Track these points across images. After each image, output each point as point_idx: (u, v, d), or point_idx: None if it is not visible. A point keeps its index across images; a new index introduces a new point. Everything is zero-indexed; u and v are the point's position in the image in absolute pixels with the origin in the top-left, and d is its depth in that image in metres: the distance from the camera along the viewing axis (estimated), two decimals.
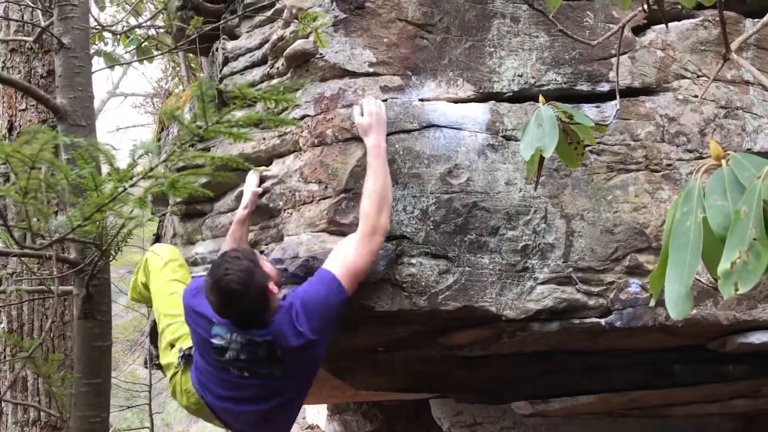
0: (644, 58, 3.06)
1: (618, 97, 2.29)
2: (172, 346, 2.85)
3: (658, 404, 4.34)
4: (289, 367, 2.54)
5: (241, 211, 2.84)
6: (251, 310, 2.45)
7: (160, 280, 2.95)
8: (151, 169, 1.69)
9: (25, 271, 3.46)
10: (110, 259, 2.43)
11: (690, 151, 3.05)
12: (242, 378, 2.57)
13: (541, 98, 1.61)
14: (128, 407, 7.15)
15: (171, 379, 2.86)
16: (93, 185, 1.73)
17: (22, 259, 3.01)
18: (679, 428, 5.22)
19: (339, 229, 2.63)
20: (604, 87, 3.00)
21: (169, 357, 2.85)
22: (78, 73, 2.43)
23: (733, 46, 1.40)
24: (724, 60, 1.36)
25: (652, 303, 1.09)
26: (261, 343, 2.48)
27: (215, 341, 2.53)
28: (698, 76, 3.16)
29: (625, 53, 3.04)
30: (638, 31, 3.12)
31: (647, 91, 3.06)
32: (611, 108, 3.00)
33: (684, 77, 3.12)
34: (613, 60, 3.04)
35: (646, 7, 1.63)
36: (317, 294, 2.47)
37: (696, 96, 3.12)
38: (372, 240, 2.51)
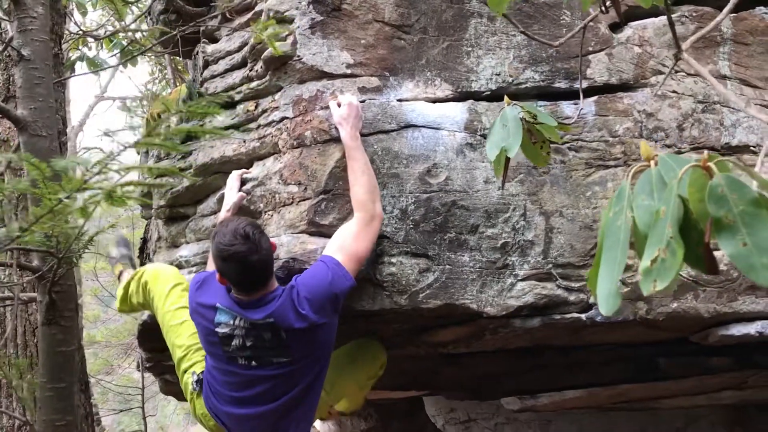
0: (621, 55, 3.09)
1: (582, 97, 2.31)
2: (185, 372, 2.86)
3: (646, 397, 4.37)
4: (297, 352, 2.54)
5: (224, 214, 2.86)
6: (263, 263, 2.45)
7: (167, 309, 2.92)
8: (86, 181, 1.72)
9: None
10: (71, 266, 2.46)
11: (668, 146, 3.08)
12: (250, 369, 2.56)
13: (506, 98, 1.63)
14: (121, 411, 7.16)
15: (190, 403, 2.90)
16: (47, 196, 1.75)
17: None
18: (670, 421, 5.26)
19: (319, 230, 2.66)
20: (582, 84, 3.02)
21: (184, 383, 2.88)
22: (38, 84, 2.46)
23: (685, 45, 1.43)
24: (676, 59, 1.39)
25: (592, 300, 1.11)
26: (264, 325, 2.48)
27: (220, 330, 2.54)
28: (676, 72, 3.19)
29: (602, 50, 3.07)
30: (615, 27, 3.15)
31: (625, 87, 3.08)
32: (589, 105, 3.03)
33: (661, 73, 3.15)
34: (591, 57, 3.08)
35: (603, 8, 1.66)
36: (321, 278, 2.48)
37: (674, 92, 3.15)
38: (371, 227, 2.57)
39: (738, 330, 3.20)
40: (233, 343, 2.54)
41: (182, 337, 2.84)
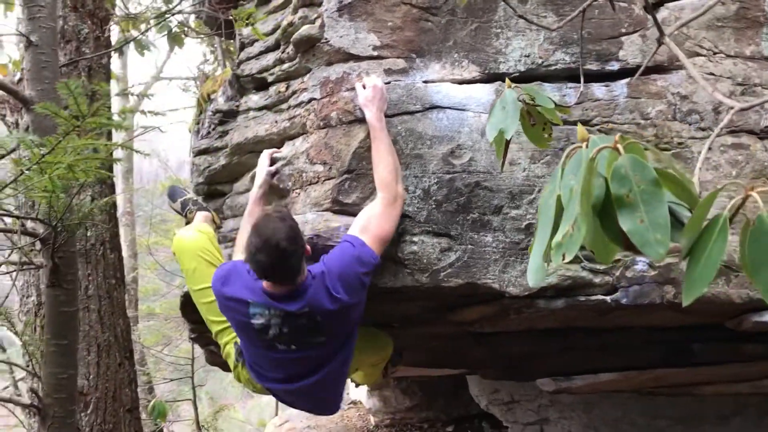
0: (656, 36, 3.04)
1: (582, 81, 2.31)
2: (226, 344, 2.97)
3: (684, 383, 4.33)
4: (331, 331, 2.63)
5: (256, 191, 2.93)
6: (295, 269, 2.51)
7: (194, 287, 2.99)
8: (43, 156, 1.83)
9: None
10: (71, 235, 2.61)
11: (703, 129, 3.03)
12: (291, 352, 2.66)
13: (507, 81, 1.66)
14: (172, 380, 7.45)
15: (234, 371, 2.99)
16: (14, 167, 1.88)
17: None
18: (716, 408, 5.17)
19: (342, 208, 2.73)
20: (614, 66, 3.00)
21: (226, 351, 2.98)
22: (44, 68, 2.65)
23: (669, 30, 1.43)
24: (658, 44, 1.39)
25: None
26: (299, 314, 2.56)
27: (255, 321, 2.61)
28: (714, 53, 3.13)
29: (635, 32, 3.03)
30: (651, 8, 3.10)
31: (659, 69, 3.04)
32: (621, 87, 3.01)
33: (699, 54, 3.09)
34: (624, 38, 3.04)
35: None
36: (349, 259, 2.55)
37: (711, 74, 3.09)
38: (394, 207, 2.64)
39: None
40: (270, 332, 2.61)
41: (217, 314, 2.90)
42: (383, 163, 2.65)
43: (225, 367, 4.76)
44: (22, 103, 2.66)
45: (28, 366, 3.30)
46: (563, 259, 0.92)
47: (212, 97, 3.93)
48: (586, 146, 0.96)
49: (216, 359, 4.48)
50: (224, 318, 2.89)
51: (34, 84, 2.60)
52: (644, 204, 0.85)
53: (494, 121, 1.58)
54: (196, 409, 6.90)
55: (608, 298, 2.91)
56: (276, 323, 2.60)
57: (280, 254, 2.43)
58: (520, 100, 1.57)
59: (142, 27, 4.11)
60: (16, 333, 3.23)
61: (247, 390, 3.23)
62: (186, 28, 3.98)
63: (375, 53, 2.81)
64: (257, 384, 2.91)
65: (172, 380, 7.58)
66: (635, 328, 3.48)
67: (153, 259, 8.10)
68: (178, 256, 3.07)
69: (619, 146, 0.89)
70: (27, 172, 1.84)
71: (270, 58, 3.08)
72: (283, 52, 3.01)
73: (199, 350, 6.68)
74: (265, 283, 2.59)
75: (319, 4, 2.83)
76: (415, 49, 2.84)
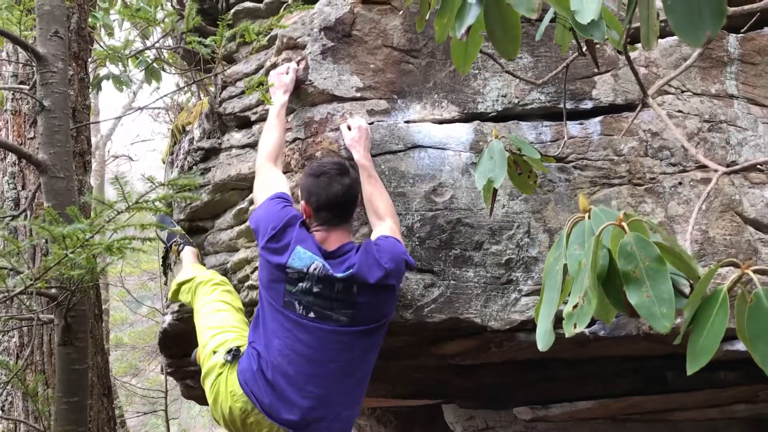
0: (627, 76, 3.16)
1: (566, 118, 2.40)
2: (215, 353, 2.66)
3: (658, 409, 4.41)
4: (360, 310, 2.50)
5: (282, 98, 2.83)
6: (354, 204, 2.61)
7: (207, 302, 2.93)
8: (87, 239, 1.88)
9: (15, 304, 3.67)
10: (83, 296, 2.66)
11: (673, 165, 3.14)
12: (306, 319, 2.48)
13: (494, 131, 1.73)
14: (145, 413, 7.36)
15: (213, 384, 2.62)
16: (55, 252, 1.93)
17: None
18: None
19: None
20: (588, 104, 3.10)
21: (212, 361, 2.65)
22: (57, 132, 2.72)
23: (651, 90, 1.51)
24: (642, 105, 1.48)
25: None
26: (340, 279, 2.47)
27: (292, 266, 2.47)
28: (682, 91, 3.25)
29: (607, 71, 3.14)
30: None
31: (630, 107, 3.15)
32: (595, 124, 3.11)
33: (668, 93, 3.21)
34: (597, 78, 3.15)
35: (580, 52, 1.75)
36: (398, 244, 2.59)
37: (680, 111, 3.22)
38: (400, 233, 2.71)
39: (743, 345, 3.23)
40: (299, 285, 2.48)
41: (218, 322, 2.80)
42: (383, 196, 2.71)
43: (202, 400, 4.72)
44: (35, 166, 2.71)
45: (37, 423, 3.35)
46: (574, 328, 0.98)
47: (187, 128, 3.95)
48: (589, 217, 1.03)
49: (192, 392, 4.45)
50: (223, 324, 2.78)
51: (47, 148, 2.66)
52: (650, 279, 0.92)
53: (483, 169, 1.64)
54: None
55: (587, 331, 2.98)
56: (311, 279, 2.47)
57: (348, 180, 2.54)
58: (506, 150, 1.63)
59: (119, 62, 4.13)
60: (26, 391, 3.25)
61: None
62: (164, 64, 4.01)
63: (358, 94, 2.87)
64: (237, 402, 2.53)
65: (145, 413, 7.48)
66: (612, 357, 3.56)
67: (123, 288, 8.03)
68: (202, 284, 3.01)
69: (624, 224, 0.96)
70: (70, 254, 1.90)
71: (253, 97, 3.12)
72: (266, 92, 3.05)
73: (172, 383, 6.61)
74: (317, 235, 2.56)
75: (303, 47, 2.89)
76: (397, 90, 2.92)
